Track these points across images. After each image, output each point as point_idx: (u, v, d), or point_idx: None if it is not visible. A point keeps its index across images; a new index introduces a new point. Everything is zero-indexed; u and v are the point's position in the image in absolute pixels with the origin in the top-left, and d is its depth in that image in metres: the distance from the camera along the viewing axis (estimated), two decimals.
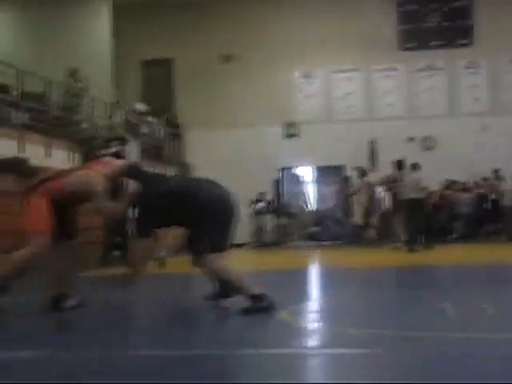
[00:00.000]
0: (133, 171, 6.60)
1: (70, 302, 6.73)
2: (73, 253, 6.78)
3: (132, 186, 6.42)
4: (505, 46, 21.37)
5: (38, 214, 6.42)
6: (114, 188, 6.53)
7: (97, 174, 6.49)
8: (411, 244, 15.14)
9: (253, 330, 5.60)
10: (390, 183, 16.83)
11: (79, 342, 5.17)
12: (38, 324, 6.12)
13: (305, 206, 21.07)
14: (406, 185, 15.66)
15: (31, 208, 6.47)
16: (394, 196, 16.77)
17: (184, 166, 21.04)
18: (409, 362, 4.09)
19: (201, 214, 6.14)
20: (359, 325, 5.54)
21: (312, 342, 4.99)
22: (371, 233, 18.74)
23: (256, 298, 6.07)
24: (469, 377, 3.63)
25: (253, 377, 3.91)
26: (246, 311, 6.03)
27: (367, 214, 18.58)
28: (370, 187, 18.44)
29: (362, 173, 18.74)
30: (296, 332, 5.31)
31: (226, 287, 6.53)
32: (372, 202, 18.52)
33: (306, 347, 4.74)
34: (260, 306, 6.01)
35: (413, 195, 15.48)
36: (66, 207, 6.66)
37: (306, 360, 4.36)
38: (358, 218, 20.05)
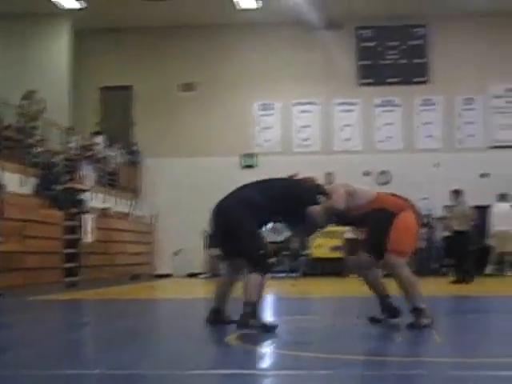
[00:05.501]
0: None
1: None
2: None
3: None
4: (459, 84, 21.77)
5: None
6: None
7: None
8: None
9: (198, 352, 5.51)
10: None
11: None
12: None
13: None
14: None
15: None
16: None
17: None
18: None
19: None
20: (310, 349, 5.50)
21: (255, 364, 4.92)
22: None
23: None
24: None
25: None
26: None
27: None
28: None
29: None
30: (241, 355, 5.24)
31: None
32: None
33: (247, 368, 4.68)
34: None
35: None
36: None
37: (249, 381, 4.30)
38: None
